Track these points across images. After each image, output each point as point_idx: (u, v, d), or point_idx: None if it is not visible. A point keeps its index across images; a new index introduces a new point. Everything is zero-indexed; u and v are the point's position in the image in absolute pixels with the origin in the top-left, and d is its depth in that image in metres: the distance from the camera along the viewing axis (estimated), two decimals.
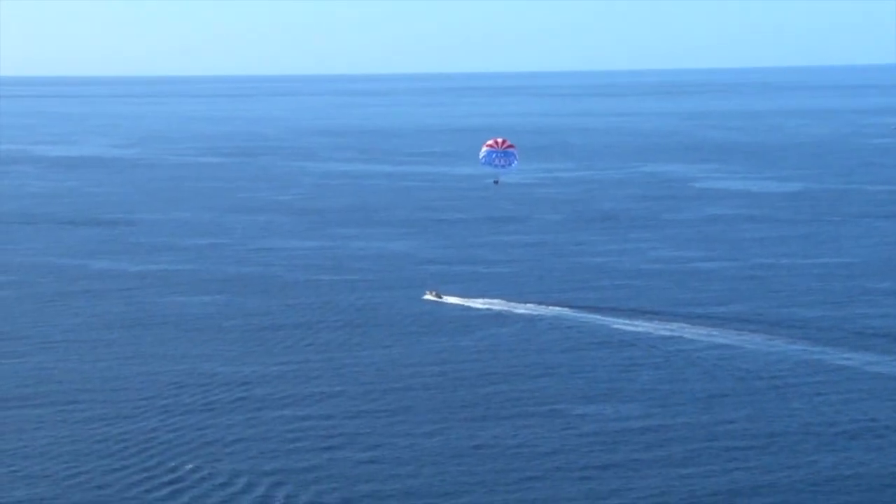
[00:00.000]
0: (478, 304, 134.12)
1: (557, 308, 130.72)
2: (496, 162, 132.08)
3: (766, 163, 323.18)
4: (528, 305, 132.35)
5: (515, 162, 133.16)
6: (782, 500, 76.10)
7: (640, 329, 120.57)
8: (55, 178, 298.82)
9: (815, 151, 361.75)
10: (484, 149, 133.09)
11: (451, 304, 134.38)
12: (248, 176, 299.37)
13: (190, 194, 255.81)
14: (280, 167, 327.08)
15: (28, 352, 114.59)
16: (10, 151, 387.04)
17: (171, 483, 79.10)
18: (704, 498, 76.42)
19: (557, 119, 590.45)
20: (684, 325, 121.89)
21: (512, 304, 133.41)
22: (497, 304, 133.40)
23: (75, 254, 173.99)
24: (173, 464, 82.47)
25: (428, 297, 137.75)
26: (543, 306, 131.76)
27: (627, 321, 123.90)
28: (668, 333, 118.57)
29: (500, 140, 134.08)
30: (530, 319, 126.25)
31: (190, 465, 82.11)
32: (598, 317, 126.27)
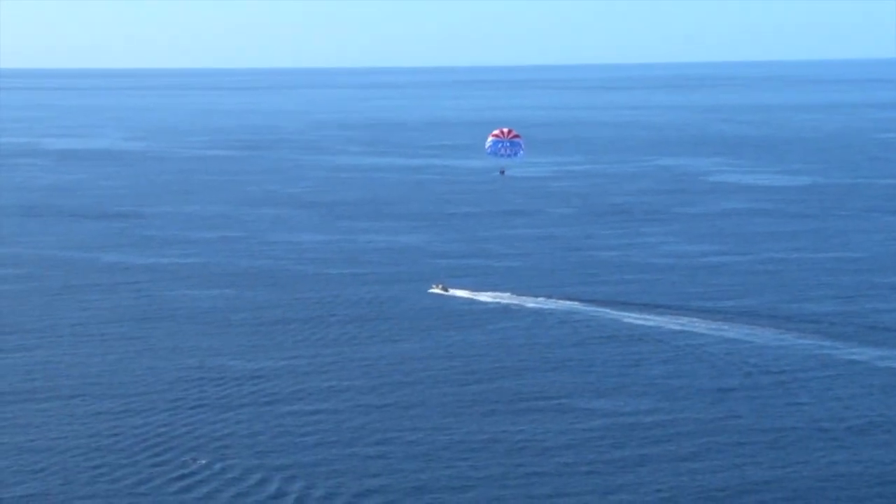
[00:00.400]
0: (485, 297, 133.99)
1: (567, 302, 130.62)
2: (502, 152, 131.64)
3: (776, 157, 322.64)
4: (538, 299, 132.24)
5: (521, 152, 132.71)
6: (791, 495, 76.01)
7: (649, 323, 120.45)
8: (64, 170, 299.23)
9: (824, 146, 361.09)
10: (490, 139, 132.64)
11: (459, 298, 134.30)
12: (258, 169, 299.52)
13: (199, 187, 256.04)
14: (289, 160, 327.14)
15: (37, 345, 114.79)
16: (18, 144, 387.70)
17: (183, 478, 79.16)
18: (713, 493, 76.35)
19: (568, 112, 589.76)
20: (694, 319, 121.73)
21: (521, 297, 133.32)
22: (506, 298, 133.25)
23: (84, 247, 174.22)
24: (185, 458, 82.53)
25: (434, 290, 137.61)
26: (553, 300, 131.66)
27: (637, 315, 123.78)
28: (677, 328, 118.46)
29: (505, 130, 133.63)
30: (539, 313, 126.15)
31: (203, 460, 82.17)
32: (608, 311, 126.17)
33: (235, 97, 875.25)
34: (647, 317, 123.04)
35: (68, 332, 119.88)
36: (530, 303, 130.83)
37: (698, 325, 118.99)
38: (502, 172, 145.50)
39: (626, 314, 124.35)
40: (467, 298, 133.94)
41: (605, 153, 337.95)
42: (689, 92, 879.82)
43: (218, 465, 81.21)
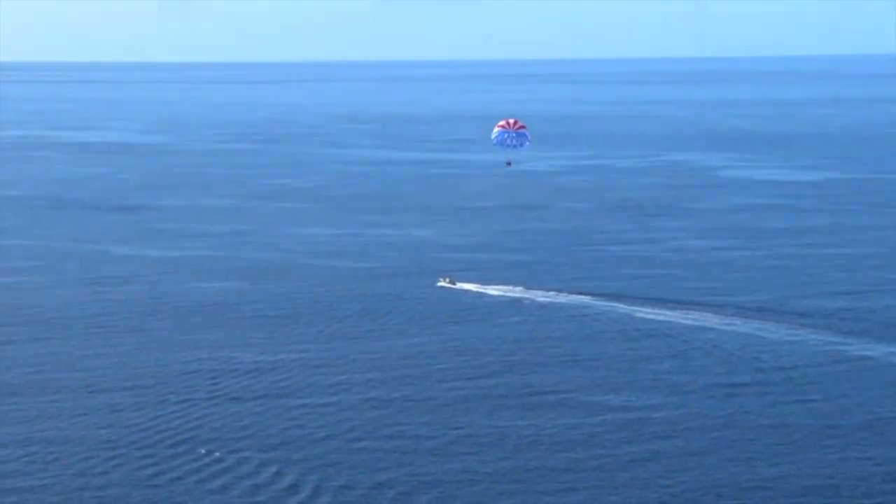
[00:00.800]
0: (494, 291, 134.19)
1: (577, 296, 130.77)
2: (508, 142, 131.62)
3: (789, 152, 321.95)
4: (548, 293, 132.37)
5: (527, 143, 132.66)
6: (801, 491, 76.12)
7: (660, 318, 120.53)
8: (80, 163, 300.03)
9: (837, 141, 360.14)
10: (496, 129, 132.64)
11: (467, 292, 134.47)
12: (272, 162, 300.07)
13: (214, 181, 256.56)
14: (304, 154, 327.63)
15: (50, 337, 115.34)
16: (36, 137, 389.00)
17: (197, 471, 79.55)
18: (722, 488, 76.50)
19: (581, 107, 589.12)
20: (705, 314, 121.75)
21: (531, 291, 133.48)
22: (516, 292, 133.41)
23: (98, 239, 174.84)
24: (199, 450, 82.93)
25: (442, 283, 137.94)
26: (563, 294, 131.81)
27: (647, 310, 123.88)
28: (688, 323, 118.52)
29: (511, 121, 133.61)
30: (549, 307, 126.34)
31: (217, 452, 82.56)
32: (618, 305, 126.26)
33: (254, 91, 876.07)
34: (658, 312, 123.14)
35: (81, 324, 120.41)
36: (540, 297, 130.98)
37: (709, 321, 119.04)
38: (509, 164, 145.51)
39: (637, 309, 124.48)
40: (476, 292, 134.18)
41: (617, 148, 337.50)
42: (701, 87, 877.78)
43: (231, 458, 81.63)
